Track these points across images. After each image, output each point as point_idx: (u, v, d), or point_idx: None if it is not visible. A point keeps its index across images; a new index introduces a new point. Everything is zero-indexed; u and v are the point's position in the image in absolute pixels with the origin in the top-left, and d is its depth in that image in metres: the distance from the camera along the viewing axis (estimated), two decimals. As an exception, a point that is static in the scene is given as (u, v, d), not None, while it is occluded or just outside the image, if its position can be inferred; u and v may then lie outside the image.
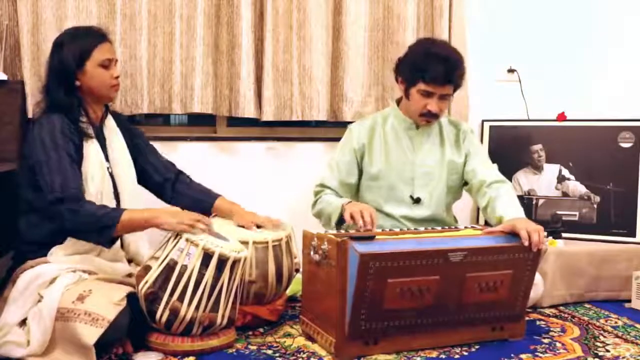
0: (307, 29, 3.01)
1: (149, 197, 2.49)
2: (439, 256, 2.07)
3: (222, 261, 2.08)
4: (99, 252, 2.24)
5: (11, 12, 2.69)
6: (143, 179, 2.44)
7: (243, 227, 2.40)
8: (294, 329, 2.39)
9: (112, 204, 2.23)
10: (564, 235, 3.05)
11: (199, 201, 2.39)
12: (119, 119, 2.43)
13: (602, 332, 2.43)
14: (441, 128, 2.64)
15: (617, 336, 2.38)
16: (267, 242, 2.33)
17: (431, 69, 2.40)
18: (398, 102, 2.66)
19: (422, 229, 2.42)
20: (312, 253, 2.15)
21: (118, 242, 2.32)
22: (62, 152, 2.11)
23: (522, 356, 2.16)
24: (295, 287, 2.59)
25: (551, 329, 2.47)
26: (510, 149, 3.27)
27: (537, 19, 3.42)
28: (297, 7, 2.99)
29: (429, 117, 2.50)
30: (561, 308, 2.76)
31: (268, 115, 2.98)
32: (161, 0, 2.86)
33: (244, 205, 2.51)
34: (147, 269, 2.11)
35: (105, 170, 2.25)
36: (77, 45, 2.22)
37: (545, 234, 2.23)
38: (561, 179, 3.18)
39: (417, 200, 2.58)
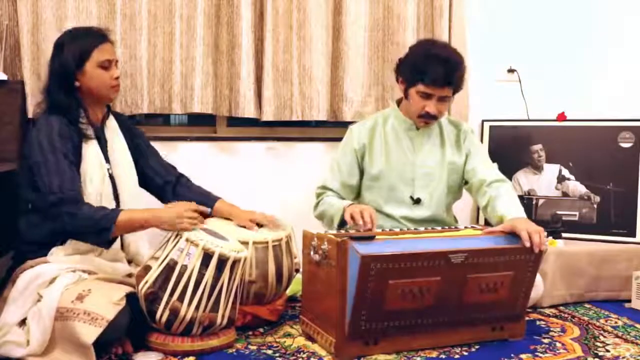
0: (307, 29, 3.01)
1: (149, 199, 2.49)
2: (441, 258, 2.07)
3: (222, 261, 2.08)
4: (100, 252, 2.24)
5: (11, 12, 2.69)
6: (144, 182, 2.44)
7: (244, 227, 2.40)
8: (294, 329, 2.39)
9: (111, 205, 2.23)
10: (564, 235, 3.05)
11: (198, 204, 2.38)
12: (120, 119, 2.43)
13: (602, 332, 2.43)
14: (441, 129, 2.64)
15: (617, 336, 2.38)
16: (267, 242, 2.33)
17: (431, 70, 2.40)
18: (398, 102, 2.66)
19: (422, 229, 2.42)
20: (312, 253, 2.15)
21: (118, 243, 2.32)
22: (60, 154, 2.11)
23: (522, 356, 2.16)
24: (295, 287, 2.59)
25: (551, 329, 2.47)
26: (510, 149, 3.27)
27: (537, 19, 3.42)
28: (297, 7, 2.99)
29: (427, 119, 2.50)
30: (561, 308, 2.76)
31: (268, 115, 2.98)
32: (161, 0, 2.86)
33: (244, 205, 2.51)
34: (147, 269, 2.11)
35: (105, 171, 2.25)
36: (77, 46, 2.22)
37: (545, 234, 2.23)
38: (561, 179, 3.18)
39: (417, 201, 2.58)
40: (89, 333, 1.90)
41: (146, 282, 2.07)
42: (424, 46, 2.53)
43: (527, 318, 2.44)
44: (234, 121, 3.12)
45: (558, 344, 2.28)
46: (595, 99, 3.42)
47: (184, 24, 2.88)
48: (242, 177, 3.05)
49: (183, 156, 2.97)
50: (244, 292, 2.29)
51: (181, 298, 2.05)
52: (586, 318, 2.62)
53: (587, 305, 2.81)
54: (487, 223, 2.63)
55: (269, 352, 2.16)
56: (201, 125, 3.17)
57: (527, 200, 3.19)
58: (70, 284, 2.03)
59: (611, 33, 3.46)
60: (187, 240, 2.08)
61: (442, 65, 2.39)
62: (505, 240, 2.22)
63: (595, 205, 3.11)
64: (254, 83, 2.96)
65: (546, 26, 3.43)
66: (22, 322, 2.03)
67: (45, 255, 2.14)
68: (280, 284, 2.40)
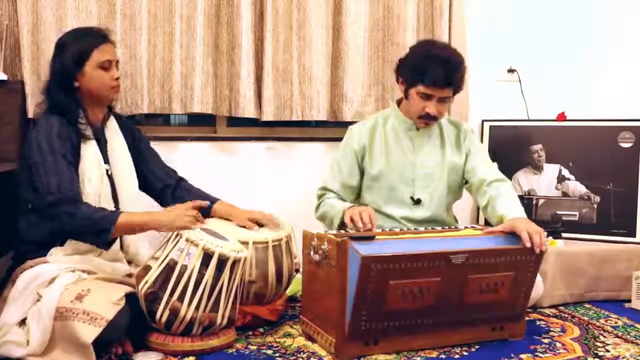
0: (307, 29, 3.01)
1: (148, 201, 2.49)
2: (441, 258, 2.06)
3: (222, 261, 2.08)
4: (99, 252, 2.24)
5: (11, 12, 2.69)
6: (143, 185, 2.44)
7: (244, 227, 2.40)
8: (294, 329, 2.39)
9: (110, 205, 2.23)
10: (564, 235, 3.05)
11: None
12: (121, 121, 2.43)
13: (602, 332, 2.43)
14: (442, 129, 2.64)
15: (617, 336, 2.38)
16: (267, 242, 2.33)
17: (431, 71, 2.39)
18: (398, 102, 2.65)
19: (422, 229, 2.42)
20: (312, 253, 2.15)
21: (117, 243, 2.32)
22: (58, 155, 2.11)
23: (522, 356, 2.16)
24: (295, 287, 2.59)
25: (551, 329, 2.47)
26: (510, 149, 3.27)
27: (537, 19, 3.42)
28: (297, 7, 2.99)
29: (428, 120, 2.50)
30: (561, 308, 2.76)
31: (268, 115, 2.98)
32: (161, 0, 2.86)
33: (244, 205, 2.51)
34: (147, 269, 2.11)
35: (104, 172, 2.25)
36: (77, 46, 2.22)
37: (546, 234, 2.23)
38: (561, 179, 3.18)
39: (417, 202, 2.58)
40: (89, 333, 1.90)
41: (146, 282, 2.07)
42: (424, 47, 2.53)
43: (527, 318, 2.44)
44: (234, 121, 3.12)
45: (558, 344, 2.28)
46: (595, 99, 3.42)
47: (184, 24, 2.88)
48: (242, 177, 3.05)
49: (183, 156, 2.97)
50: (244, 292, 2.29)
51: (181, 298, 2.05)
52: (586, 318, 2.61)
53: (587, 305, 2.81)
54: (487, 223, 2.63)
55: (269, 352, 2.15)
56: (201, 125, 3.17)
57: (527, 200, 3.19)
58: (69, 284, 2.04)
59: (611, 33, 3.46)
60: (187, 240, 2.08)
61: (442, 66, 2.39)
62: (505, 241, 2.22)
63: (595, 205, 3.11)
64: (254, 83, 2.96)
65: (546, 26, 3.43)
66: (22, 322, 2.02)
67: (45, 255, 2.14)
68: (280, 284, 2.40)
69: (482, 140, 3.30)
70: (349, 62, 3.07)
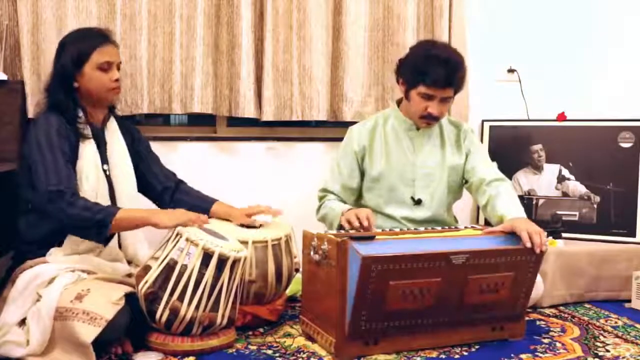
0: (307, 29, 3.01)
1: (147, 203, 2.48)
2: (442, 259, 2.06)
3: (222, 261, 2.08)
4: (99, 252, 2.24)
5: (11, 12, 2.69)
6: (143, 187, 2.44)
7: (244, 225, 2.40)
8: (294, 329, 2.39)
9: None
10: (564, 235, 3.05)
11: (196, 207, 2.36)
12: (121, 122, 2.43)
13: (602, 332, 2.43)
14: (442, 129, 2.64)
15: (617, 336, 2.38)
16: (266, 242, 2.33)
17: (432, 71, 2.39)
18: (398, 102, 2.65)
19: (422, 229, 2.42)
20: (312, 253, 2.15)
21: (116, 243, 2.32)
22: (58, 151, 2.11)
23: (522, 356, 2.16)
24: (295, 287, 2.59)
25: (551, 329, 2.46)
26: (510, 149, 3.27)
27: (537, 19, 3.42)
28: (297, 7, 2.99)
29: (430, 120, 2.50)
30: (561, 308, 2.76)
31: (268, 115, 2.98)
32: (161, 0, 2.86)
33: (244, 205, 2.50)
34: (147, 268, 2.11)
35: (101, 172, 2.25)
36: (77, 46, 2.22)
37: (545, 234, 2.22)
38: (561, 179, 3.18)
39: (418, 202, 2.58)
40: (88, 333, 1.90)
41: (146, 282, 2.07)
42: (424, 47, 2.52)
43: (527, 318, 2.44)
44: (234, 121, 3.12)
45: (558, 344, 2.28)
46: (595, 99, 3.42)
47: (184, 24, 2.88)
48: (242, 177, 3.05)
49: (183, 156, 2.97)
50: (244, 292, 2.29)
51: (181, 298, 2.05)
52: (586, 318, 2.61)
53: (587, 305, 2.81)
54: (487, 223, 2.63)
55: (269, 352, 2.15)
56: (201, 125, 3.17)
57: (527, 200, 3.19)
58: (69, 284, 2.03)
59: (611, 33, 3.46)
60: (187, 240, 2.08)
61: (443, 66, 2.39)
62: (505, 241, 2.22)
63: (595, 205, 3.11)
64: (254, 83, 2.96)
65: (546, 26, 3.43)
66: (22, 322, 2.02)
67: (45, 255, 2.14)
68: (280, 284, 2.40)
69: (482, 140, 3.30)
70: (349, 62, 3.07)
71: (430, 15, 3.17)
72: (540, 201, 3.21)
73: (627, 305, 2.80)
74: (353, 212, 2.36)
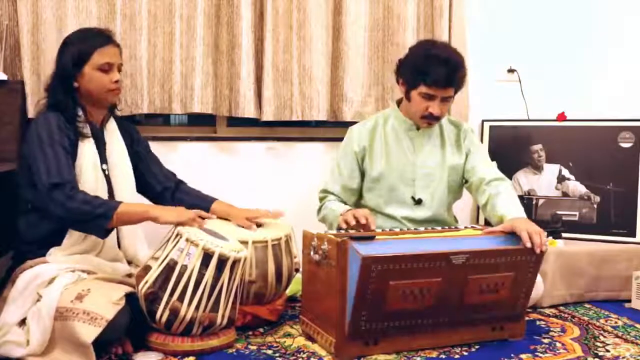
0: (307, 29, 3.01)
1: (148, 203, 2.48)
2: (442, 259, 2.06)
3: (222, 261, 2.08)
4: (99, 251, 2.24)
5: (11, 12, 2.69)
6: (142, 188, 2.44)
7: (242, 227, 2.40)
8: (294, 329, 2.39)
9: None
10: (564, 235, 3.05)
11: (196, 206, 2.35)
12: (121, 123, 2.43)
13: (602, 332, 2.43)
14: (442, 129, 2.64)
15: (617, 336, 2.38)
16: (266, 242, 2.33)
17: (432, 71, 2.39)
18: (398, 103, 2.65)
19: (422, 229, 2.42)
20: (312, 253, 2.15)
21: (116, 242, 2.32)
22: (58, 147, 2.12)
23: (522, 356, 2.16)
24: (295, 287, 2.59)
25: (551, 329, 2.47)
26: (510, 149, 3.27)
27: (537, 19, 3.42)
28: (297, 7, 2.99)
29: (431, 120, 2.50)
30: (561, 308, 2.76)
31: (268, 115, 2.98)
32: (161, 0, 2.86)
33: (244, 205, 2.50)
34: (147, 269, 2.11)
35: (99, 171, 2.25)
36: (78, 47, 2.22)
37: (545, 234, 2.22)
38: (561, 179, 3.18)
39: (418, 202, 2.58)
40: (89, 333, 1.90)
41: (146, 282, 2.07)
42: (424, 47, 2.52)
43: (527, 318, 2.44)
44: (234, 121, 3.12)
45: (558, 344, 2.28)
46: (595, 99, 3.42)
47: (184, 24, 2.88)
48: (242, 177, 3.05)
49: (183, 156, 2.97)
50: (243, 292, 2.29)
51: (181, 298, 2.05)
52: (586, 318, 2.61)
53: (587, 305, 2.81)
54: (487, 223, 2.63)
55: (269, 352, 2.15)
56: (201, 125, 3.17)
57: (527, 200, 3.19)
58: (69, 284, 2.03)
59: (611, 33, 3.46)
60: (187, 240, 2.08)
61: (443, 66, 2.38)
62: (505, 241, 2.22)
63: (595, 205, 3.11)
64: (254, 83, 2.96)
65: (546, 26, 3.43)
66: (22, 322, 2.02)
67: (45, 255, 2.14)
68: (280, 284, 2.40)
69: (482, 140, 3.30)
70: (349, 62, 3.07)
71: (430, 15, 3.17)
72: (540, 201, 3.21)
73: (627, 305, 2.80)
74: (351, 212, 2.36)
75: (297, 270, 2.47)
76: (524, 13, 3.41)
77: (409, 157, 2.59)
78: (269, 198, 2.93)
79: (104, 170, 2.28)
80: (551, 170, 3.20)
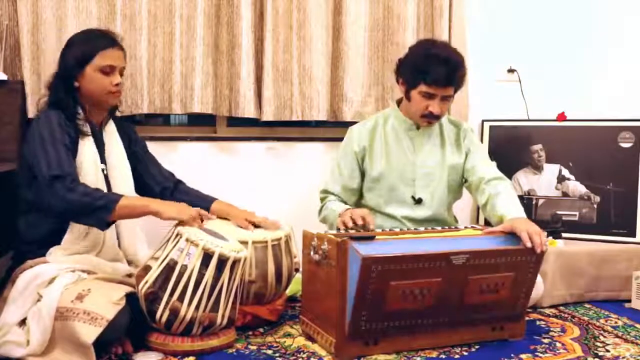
0: (307, 29, 3.01)
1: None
2: (442, 259, 2.06)
3: (222, 261, 2.08)
4: (98, 251, 2.24)
5: (11, 12, 2.69)
6: (141, 189, 2.43)
7: (242, 227, 2.40)
8: (294, 329, 2.39)
9: None
10: (564, 235, 3.05)
11: (195, 206, 2.36)
12: (119, 124, 2.42)
13: (602, 332, 2.43)
14: (442, 128, 2.64)
15: (617, 336, 2.38)
16: (266, 242, 2.33)
17: (432, 70, 2.39)
18: (398, 102, 2.65)
19: (422, 229, 2.42)
20: (312, 253, 2.15)
21: (116, 242, 2.32)
22: (60, 145, 2.12)
23: (522, 356, 2.16)
24: (295, 287, 2.59)
25: (551, 329, 2.47)
26: (510, 149, 3.27)
27: (537, 19, 3.42)
28: (297, 7, 2.99)
29: (431, 119, 2.50)
30: (561, 308, 2.76)
31: (268, 115, 2.98)
32: (161, 0, 2.86)
33: (243, 205, 2.51)
34: (147, 269, 2.11)
35: (99, 170, 2.25)
36: (82, 47, 2.23)
37: (545, 234, 2.22)
38: (561, 179, 3.18)
39: (418, 201, 2.58)
40: (89, 333, 1.90)
41: (146, 282, 2.07)
42: (424, 46, 2.52)
43: (527, 318, 2.44)
44: (234, 121, 3.12)
45: (558, 344, 2.28)
46: (595, 99, 3.42)
47: (184, 24, 2.88)
48: (242, 177, 3.05)
49: (183, 156, 2.97)
50: (243, 292, 2.29)
51: (181, 298, 2.05)
52: (586, 318, 2.62)
53: (587, 305, 2.81)
54: (487, 223, 2.63)
55: (269, 352, 2.15)
56: (201, 125, 3.17)
57: (527, 200, 3.19)
58: (69, 284, 2.03)
59: (611, 33, 3.46)
60: (187, 240, 2.08)
61: (443, 65, 2.39)
62: (505, 241, 2.22)
63: (595, 205, 3.11)
64: (254, 83, 2.96)
65: (546, 26, 3.43)
66: (22, 322, 2.02)
67: (45, 255, 2.14)
68: (280, 284, 2.40)
69: (482, 140, 3.30)
70: (349, 62, 3.07)
71: (430, 15, 3.17)
72: (540, 201, 3.21)
73: (627, 305, 2.80)
74: (348, 212, 2.36)
75: (297, 270, 2.47)
76: (524, 13, 3.41)
77: (409, 156, 2.59)
78: (269, 198, 2.94)
79: (102, 171, 2.28)
80: (551, 170, 3.20)
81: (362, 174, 2.63)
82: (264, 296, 2.37)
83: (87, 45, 2.23)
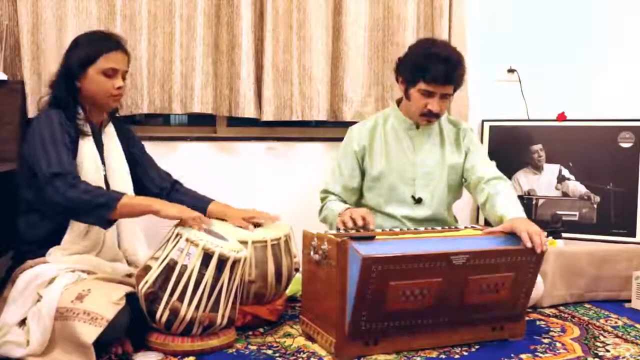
0: (307, 29, 3.01)
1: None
2: (442, 259, 2.06)
3: (222, 261, 2.08)
4: (98, 251, 2.24)
5: (11, 12, 2.69)
6: (139, 189, 2.43)
7: (240, 227, 2.40)
8: (294, 329, 2.39)
9: None
10: (564, 235, 3.05)
11: (192, 207, 2.35)
12: (119, 125, 2.42)
13: (602, 332, 2.43)
14: (441, 128, 2.64)
15: (617, 336, 2.38)
16: (265, 242, 2.33)
17: (431, 68, 2.39)
18: (398, 102, 2.66)
19: (422, 229, 2.42)
20: (312, 253, 2.15)
21: (116, 242, 2.32)
22: (60, 144, 2.12)
23: (522, 356, 2.16)
24: (295, 287, 2.59)
25: (551, 329, 2.47)
26: (510, 149, 3.27)
27: (537, 19, 3.42)
28: (297, 7, 2.99)
29: (430, 117, 2.50)
30: (561, 308, 2.76)
31: (268, 115, 2.98)
32: (161, 0, 2.86)
33: (244, 205, 2.50)
34: (147, 269, 2.11)
35: (100, 169, 2.25)
36: (86, 49, 2.23)
37: (545, 234, 2.22)
38: (561, 179, 3.18)
39: (418, 201, 2.58)
40: (89, 333, 1.90)
41: (146, 282, 2.07)
42: (424, 45, 2.53)
43: (527, 318, 2.44)
44: (234, 121, 3.12)
45: (558, 344, 2.28)
46: (595, 99, 3.42)
47: (184, 24, 2.88)
48: (242, 177, 3.05)
49: (183, 156, 2.97)
50: (243, 292, 2.29)
51: (181, 298, 2.05)
52: (586, 318, 2.62)
53: (587, 305, 2.81)
54: (487, 223, 2.63)
55: (269, 352, 2.15)
56: (201, 125, 3.17)
57: (527, 200, 3.19)
58: (69, 284, 2.03)
59: (611, 33, 3.46)
60: (187, 240, 2.08)
61: (442, 63, 2.39)
62: (505, 241, 2.22)
63: (595, 205, 3.11)
64: (254, 83, 2.96)
65: (546, 26, 3.43)
66: (22, 322, 2.02)
67: (44, 255, 2.14)
68: (280, 284, 2.40)
69: (482, 140, 3.30)
70: (349, 62, 3.07)
71: (430, 15, 3.17)
72: (540, 201, 3.21)
73: (627, 305, 2.80)
74: (348, 212, 2.36)
75: (297, 270, 2.47)
76: (524, 13, 3.41)
77: (409, 156, 2.59)
78: (269, 198, 2.93)
79: (102, 172, 2.28)
80: (551, 170, 3.20)
81: (363, 174, 2.64)
82: (264, 296, 2.37)
83: (92, 47, 2.23)
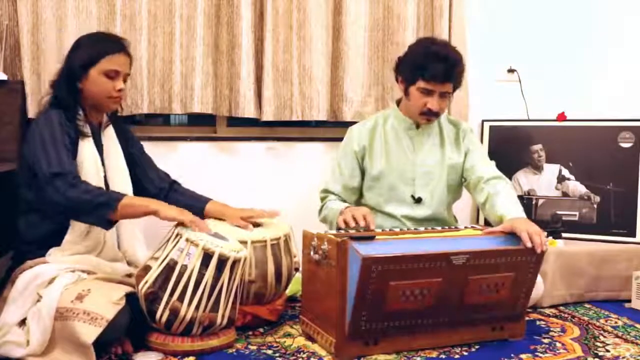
0: (307, 29, 3.01)
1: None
2: (442, 259, 2.06)
3: (222, 261, 2.08)
4: (99, 252, 2.24)
5: (11, 12, 2.69)
6: (137, 189, 2.43)
7: (239, 227, 2.40)
8: (294, 329, 2.39)
9: None
10: (564, 235, 3.05)
11: (190, 207, 2.34)
12: (118, 127, 2.42)
13: (602, 332, 2.43)
14: (441, 128, 2.64)
15: (617, 336, 2.38)
16: (265, 242, 2.33)
17: (431, 66, 2.40)
18: (398, 102, 2.66)
19: (422, 229, 2.42)
20: (312, 253, 2.15)
21: (115, 242, 2.32)
22: (60, 145, 2.12)
23: (522, 356, 2.16)
24: (295, 287, 2.59)
25: (551, 329, 2.47)
26: (510, 149, 3.27)
27: (537, 19, 3.42)
28: (297, 7, 2.99)
29: (430, 116, 2.51)
30: (561, 308, 2.76)
31: (268, 115, 2.98)
32: (161, 0, 2.86)
33: (243, 205, 2.50)
34: (147, 269, 2.11)
35: (100, 170, 2.25)
36: (89, 50, 2.23)
37: (545, 234, 2.22)
38: (561, 179, 3.18)
39: (418, 200, 2.58)
40: (89, 333, 1.90)
41: (146, 282, 2.07)
42: (423, 44, 2.53)
43: (527, 318, 2.44)
44: (234, 121, 3.12)
45: (558, 344, 2.28)
46: (595, 99, 3.42)
47: (184, 24, 2.88)
48: (242, 177, 3.05)
49: (183, 156, 2.97)
50: (243, 292, 2.29)
51: (181, 298, 2.05)
52: (586, 318, 2.62)
53: (587, 305, 2.81)
54: (487, 223, 2.63)
55: (269, 352, 2.15)
56: (201, 125, 3.17)
57: (527, 200, 3.19)
58: (69, 284, 2.03)
59: (611, 33, 3.46)
60: (187, 240, 2.08)
61: (441, 62, 2.40)
62: (505, 241, 2.22)
63: (595, 205, 3.11)
64: (254, 83, 2.96)
65: (546, 26, 3.43)
66: (22, 322, 2.02)
67: (44, 255, 2.14)
68: (280, 284, 2.40)
69: (482, 140, 3.30)
70: (349, 62, 3.07)
71: (430, 15, 3.17)
72: (540, 201, 3.21)
73: (627, 305, 2.80)
74: (349, 211, 2.36)
75: (296, 270, 2.46)
76: (524, 13, 3.41)
77: (409, 155, 2.59)
78: (269, 198, 2.93)
79: (101, 173, 2.28)
80: (551, 170, 3.20)
81: (363, 173, 2.64)
82: (263, 296, 2.37)
83: (95, 48, 2.23)
